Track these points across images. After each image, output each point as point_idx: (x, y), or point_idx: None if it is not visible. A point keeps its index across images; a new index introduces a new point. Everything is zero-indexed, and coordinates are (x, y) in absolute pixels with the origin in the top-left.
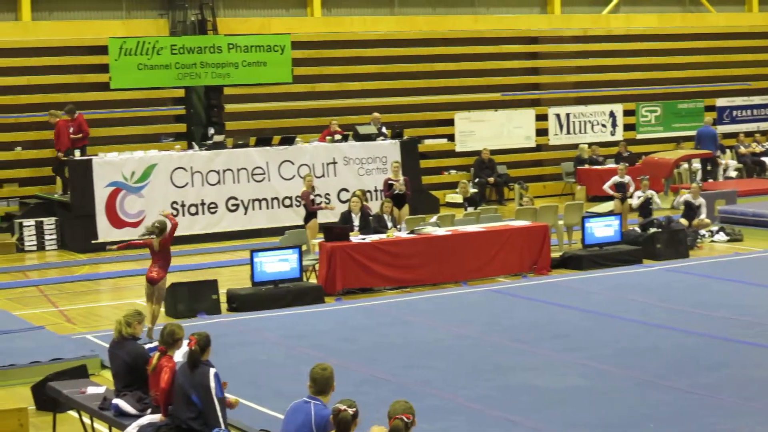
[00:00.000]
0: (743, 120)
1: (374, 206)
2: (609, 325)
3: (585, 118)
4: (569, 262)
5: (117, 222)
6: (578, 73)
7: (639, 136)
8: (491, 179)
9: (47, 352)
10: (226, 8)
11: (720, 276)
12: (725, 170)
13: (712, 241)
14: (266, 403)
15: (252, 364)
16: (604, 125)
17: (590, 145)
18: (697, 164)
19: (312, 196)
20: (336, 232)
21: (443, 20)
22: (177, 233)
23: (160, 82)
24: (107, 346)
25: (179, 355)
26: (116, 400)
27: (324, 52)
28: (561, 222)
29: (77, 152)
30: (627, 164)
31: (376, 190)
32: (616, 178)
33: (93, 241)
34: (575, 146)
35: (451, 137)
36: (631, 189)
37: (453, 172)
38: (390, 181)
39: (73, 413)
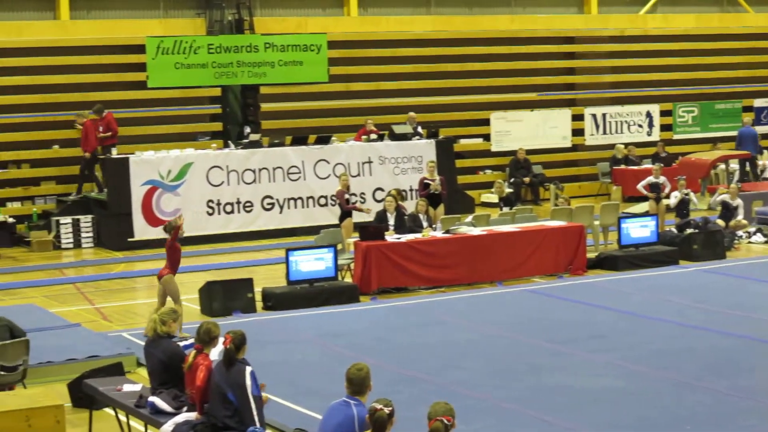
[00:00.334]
0: None
1: (409, 206)
2: (645, 326)
3: (621, 119)
4: (605, 262)
5: (153, 220)
6: (615, 73)
7: (676, 137)
8: (527, 179)
9: (84, 349)
10: (262, 8)
11: (757, 277)
12: (762, 171)
13: (749, 242)
14: (301, 402)
15: (287, 362)
16: (640, 125)
17: (626, 145)
18: (734, 165)
19: (347, 196)
20: (371, 231)
21: (480, 20)
22: (213, 231)
23: (197, 81)
24: (143, 343)
25: (215, 353)
26: (152, 398)
27: (360, 51)
28: (597, 222)
29: (113, 150)
30: (662, 165)
31: (411, 190)
32: (650, 179)
33: (129, 239)
34: (611, 146)
35: (486, 137)
36: (667, 189)
37: (488, 171)
38: (426, 181)
39: (109, 410)
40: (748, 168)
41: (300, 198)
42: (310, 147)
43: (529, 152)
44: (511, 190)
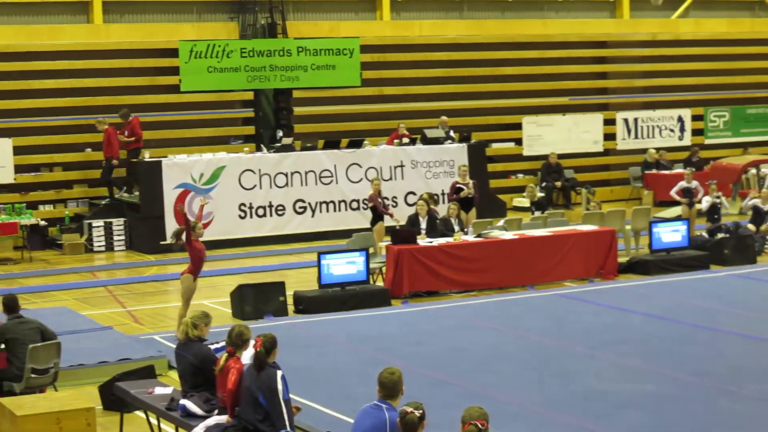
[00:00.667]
0: None
1: (441, 210)
2: (676, 330)
3: (653, 123)
4: (636, 267)
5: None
6: (646, 77)
7: (707, 141)
8: (558, 183)
9: (115, 352)
10: (295, 11)
11: None
12: None
13: None
14: (332, 406)
15: (318, 366)
16: (672, 130)
17: (658, 149)
18: (765, 169)
19: (379, 199)
20: (403, 235)
21: (512, 24)
22: (245, 235)
23: (230, 84)
24: (174, 346)
25: (246, 356)
26: (183, 401)
27: (393, 55)
28: (628, 227)
29: (146, 153)
30: (694, 169)
31: (443, 194)
32: (682, 183)
33: (161, 242)
34: (643, 151)
35: (518, 141)
36: (700, 194)
37: (520, 176)
38: (458, 185)
39: (140, 413)
40: None
41: (332, 201)
42: (343, 151)
43: (561, 156)
44: (542, 195)
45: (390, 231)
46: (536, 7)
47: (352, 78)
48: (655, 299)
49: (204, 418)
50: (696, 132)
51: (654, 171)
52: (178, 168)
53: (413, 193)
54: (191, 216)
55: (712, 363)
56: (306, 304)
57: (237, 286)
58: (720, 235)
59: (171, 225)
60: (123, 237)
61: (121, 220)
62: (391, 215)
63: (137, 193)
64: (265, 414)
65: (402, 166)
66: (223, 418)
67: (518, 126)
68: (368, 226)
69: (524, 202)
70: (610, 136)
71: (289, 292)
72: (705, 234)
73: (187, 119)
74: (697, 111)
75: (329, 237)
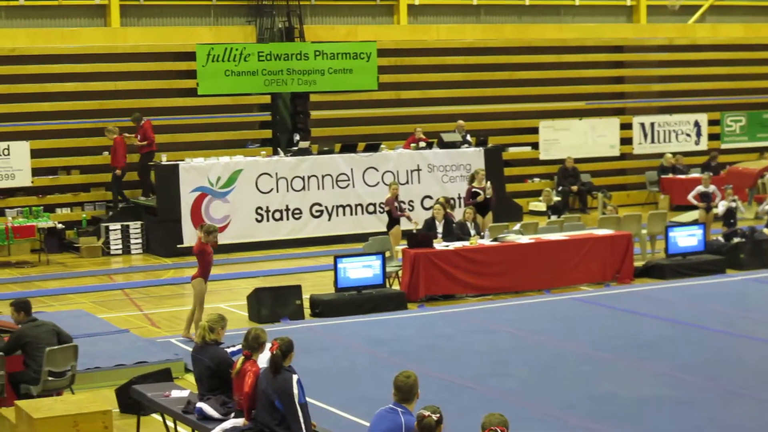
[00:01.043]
0: None
1: (457, 214)
2: (692, 335)
3: (669, 128)
4: (652, 271)
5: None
6: (663, 82)
7: (723, 146)
8: (575, 188)
9: (132, 355)
10: (313, 15)
11: None
12: None
13: None
14: (348, 409)
15: (334, 369)
16: (688, 135)
17: (674, 154)
18: None
19: (396, 203)
20: (419, 239)
21: (529, 29)
22: (262, 238)
23: (247, 88)
24: (191, 350)
25: (263, 359)
26: (200, 404)
27: (409, 59)
28: (644, 231)
29: (163, 156)
30: (711, 174)
31: (459, 198)
32: (700, 188)
33: (178, 246)
34: (660, 155)
35: (535, 145)
36: (717, 199)
37: (537, 180)
38: (474, 190)
39: (157, 416)
40: None
41: (348, 205)
42: (359, 154)
43: (578, 161)
44: (559, 199)
45: (406, 235)
46: (553, 11)
47: (369, 82)
48: (671, 303)
49: (220, 421)
50: (712, 137)
51: (670, 175)
52: (195, 171)
53: (430, 197)
54: (208, 220)
55: (728, 367)
56: (322, 307)
57: (254, 289)
58: (736, 240)
59: (188, 228)
60: (140, 240)
61: (138, 224)
62: (410, 218)
63: (154, 197)
64: (282, 417)
65: (419, 170)
66: (240, 421)
67: (535, 130)
68: (385, 229)
69: (540, 206)
70: (626, 141)
71: (306, 296)
72: (721, 238)
73: (205, 122)
74: (714, 116)
75: (346, 240)
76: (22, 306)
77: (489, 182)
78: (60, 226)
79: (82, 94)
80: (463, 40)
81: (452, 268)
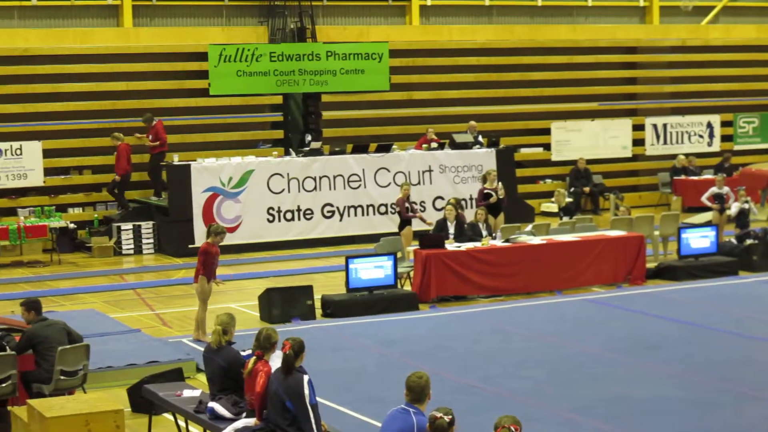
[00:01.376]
0: None
1: (468, 215)
2: (704, 336)
3: (682, 129)
4: (664, 272)
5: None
6: (676, 83)
7: (736, 147)
8: (587, 189)
9: (143, 354)
10: (325, 16)
11: None
12: None
13: None
14: (360, 409)
15: (346, 370)
16: (701, 136)
17: (687, 155)
18: None
19: (407, 204)
20: (431, 239)
21: (541, 29)
22: (273, 239)
23: (259, 88)
24: (202, 349)
25: (275, 358)
26: (212, 404)
27: (421, 60)
28: (656, 232)
29: (175, 157)
30: (725, 175)
31: (471, 199)
32: (713, 189)
33: (190, 246)
34: (672, 156)
35: (547, 146)
36: (730, 200)
37: (548, 181)
38: (486, 191)
39: (169, 416)
40: None
41: (360, 206)
42: (371, 155)
43: (590, 162)
44: (571, 200)
45: (418, 235)
46: (566, 12)
47: (381, 82)
48: (683, 305)
49: (232, 420)
50: (725, 138)
51: (683, 177)
52: (207, 172)
53: (441, 197)
54: (219, 220)
55: (740, 369)
56: (334, 307)
57: (265, 289)
58: (749, 242)
59: (199, 228)
60: (151, 240)
61: (150, 224)
62: (423, 219)
63: (165, 197)
64: (293, 418)
65: (430, 170)
66: (251, 421)
67: (547, 131)
68: (396, 230)
69: (552, 207)
70: (638, 142)
71: (317, 296)
72: (734, 240)
73: (216, 123)
74: (727, 117)
75: (357, 241)
76: (32, 305)
77: (500, 183)
78: (72, 225)
79: (94, 94)
80: (475, 41)
81: (464, 269)
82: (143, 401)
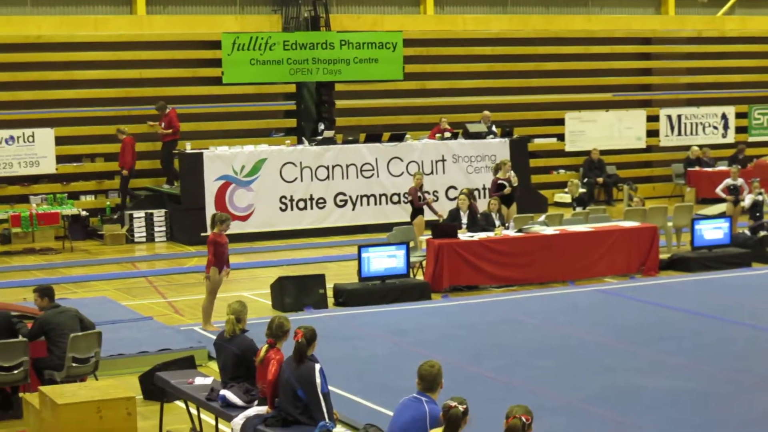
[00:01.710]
0: None
1: (482, 205)
2: (717, 327)
3: (697, 120)
4: (677, 263)
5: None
6: (691, 74)
7: (751, 139)
8: (600, 179)
9: (155, 342)
10: (338, 5)
11: None
12: None
13: None
14: (371, 398)
15: (358, 358)
16: (715, 127)
17: (701, 147)
18: None
19: (419, 194)
20: (444, 229)
21: (556, 20)
22: (286, 227)
23: (272, 77)
24: (214, 337)
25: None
26: (223, 391)
27: (435, 49)
28: (670, 224)
29: (188, 145)
30: (739, 167)
31: (484, 188)
32: (728, 181)
33: (202, 234)
34: (686, 148)
35: (561, 137)
36: (745, 192)
37: (562, 171)
38: (499, 181)
39: (180, 403)
40: None
41: (373, 195)
42: (384, 144)
43: (603, 152)
44: (584, 190)
45: (431, 225)
46: (581, 2)
47: (395, 72)
48: (696, 296)
49: (244, 408)
50: (740, 129)
51: (697, 168)
52: (220, 160)
53: (454, 187)
54: (231, 208)
55: (753, 360)
56: (346, 296)
57: (277, 278)
58: (762, 233)
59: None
60: (164, 228)
61: (162, 212)
62: (432, 209)
63: (177, 185)
64: (304, 406)
65: (443, 160)
66: (263, 409)
67: (561, 122)
68: (409, 219)
69: (566, 197)
70: (653, 133)
71: (329, 285)
72: (747, 231)
73: (229, 111)
74: (741, 108)
75: (369, 230)
76: (45, 292)
77: (512, 172)
78: (84, 213)
79: (107, 81)
80: (490, 31)
81: (476, 258)
82: (155, 389)
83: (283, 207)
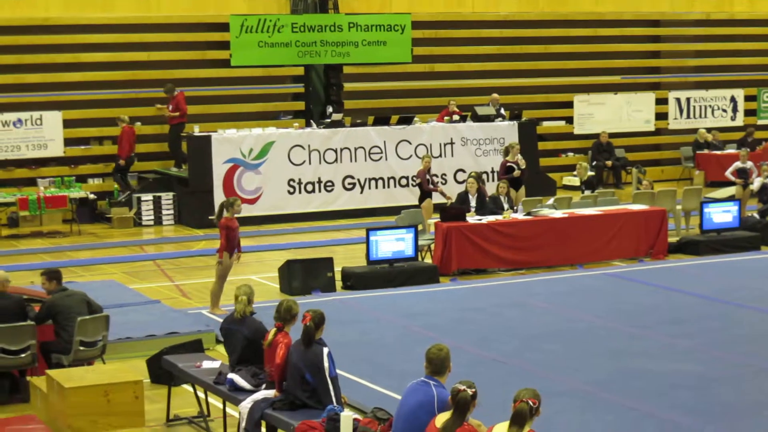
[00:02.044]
0: None
1: (490, 188)
2: (725, 311)
3: (705, 103)
4: (686, 247)
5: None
6: (700, 57)
7: (760, 122)
8: (609, 162)
9: (163, 325)
10: None
11: None
12: None
13: None
14: (379, 382)
15: (366, 342)
16: (724, 110)
17: (709, 130)
18: None
19: (428, 176)
20: (452, 212)
21: (564, 2)
22: (294, 210)
23: (281, 59)
24: (221, 321)
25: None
26: (231, 375)
27: (444, 32)
28: (679, 207)
29: (196, 127)
30: (748, 150)
31: (492, 171)
32: (737, 164)
33: (210, 217)
34: (695, 131)
35: (569, 120)
36: (753, 175)
37: (570, 154)
38: (508, 164)
39: (188, 387)
40: None
41: (381, 178)
42: (392, 127)
43: (612, 135)
44: (593, 173)
45: (439, 208)
46: None
47: (403, 54)
48: (704, 280)
49: (251, 392)
50: (749, 112)
51: (705, 151)
52: (228, 143)
53: (463, 170)
54: (239, 191)
55: (761, 344)
56: (354, 280)
57: (285, 261)
58: None
59: (220, 199)
60: (172, 211)
61: (170, 195)
62: (442, 193)
63: (185, 168)
64: (312, 390)
65: (452, 143)
66: (271, 393)
67: (569, 104)
68: (417, 202)
69: (574, 181)
70: (662, 116)
71: (338, 268)
72: (756, 215)
73: (237, 94)
74: (750, 91)
75: (378, 213)
76: (54, 275)
77: (520, 156)
78: (92, 196)
79: (115, 64)
80: (498, 13)
81: (485, 242)
82: (162, 372)
83: (291, 190)
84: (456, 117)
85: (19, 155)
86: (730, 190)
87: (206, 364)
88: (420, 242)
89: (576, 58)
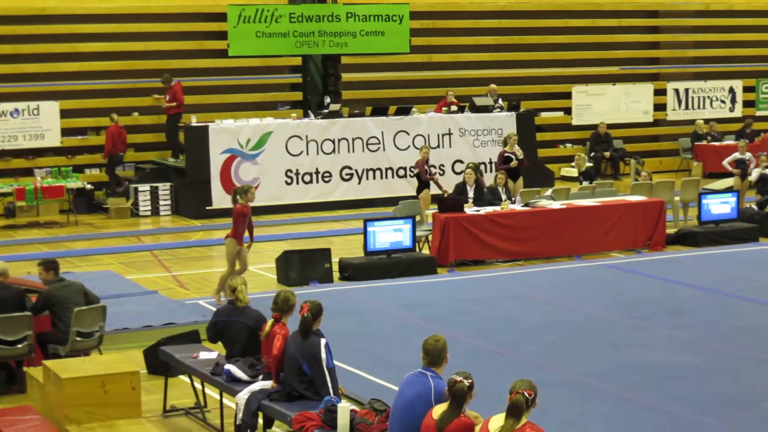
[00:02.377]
0: None
1: (488, 179)
2: (724, 302)
3: (704, 94)
4: (684, 238)
5: (231, 189)
6: (698, 47)
7: (758, 113)
8: (607, 153)
9: (160, 316)
10: None
11: None
12: None
13: None
14: (377, 373)
15: (363, 333)
16: (723, 101)
17: (707, 121)
18: None
19: (426, 167)
20: (450, 203)
21: None
22: (291, 201)
23: (278, 49)
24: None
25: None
26: (228, 366)
27: (442, 22)
28: (677, 198)
29: (193, 118)
30: (747, 141)
31: (490, 162)
32: (736, 155)
33: (207, 208)
34: (693, 122)
35: (567, 110)
36: (752, 166)
37: (569, 145)
38: (506, 154)
39: (185, 378)
40: None
41: (379, 169)
42: (390, 118)
43: (610, 126)
44: (591, 165)
45: (436, 199)
46: None
47: (401, 45)
48: (703, 271)
49: (248, 383)
50: (747, 103)
51: (704, 142)
52: (225, 133)
53: (461, 161)
54: (237, 182)
55: (760, 336)
56: (351, 271)
57: (282, 252)
58: None
59: (217, 190)
60: (169, 202)
61: (167, 185)
62: (439, 184)
63: (183, 158)
64: (309, 381)
65: (450, 134)
66: (268, 384)
67: (568, 95)
68: (415, 193)
69: (572, 171)
70: (660, 107)
71: (335, 259)
72: (754, 206)
73: (235, 84)
74: (749, 82)
75: (376, 204)
76: (51, 265)
77: (517, 146)
78: (89, 186)
79: (112, 54)
80: (497, 3)
81: (483, 232)
82: (159, 363)
83: (289, 180)
84: (454, 108)
85: (16, 145)
86: (728, 182)
87: (203, 355)
88: (418, 233)
89: (574, 49)
